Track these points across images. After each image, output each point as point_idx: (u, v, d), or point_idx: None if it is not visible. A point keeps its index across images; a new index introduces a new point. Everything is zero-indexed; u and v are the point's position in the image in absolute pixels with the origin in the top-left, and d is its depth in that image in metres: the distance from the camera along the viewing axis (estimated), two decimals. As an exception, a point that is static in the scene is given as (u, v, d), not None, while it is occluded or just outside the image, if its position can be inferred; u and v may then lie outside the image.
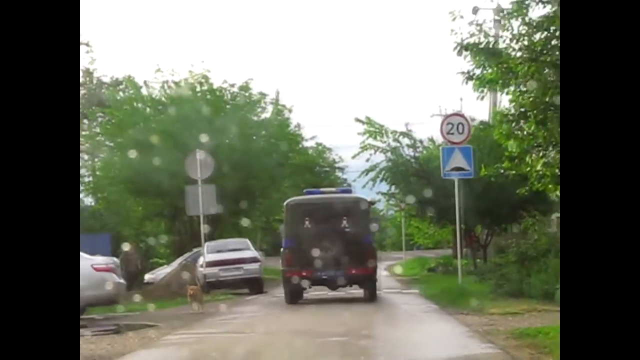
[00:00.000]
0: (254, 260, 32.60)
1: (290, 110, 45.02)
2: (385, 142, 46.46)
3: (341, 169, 78.36)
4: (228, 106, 42.41)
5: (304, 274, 23.29)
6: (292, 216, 23.99)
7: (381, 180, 47.94)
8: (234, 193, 39.07)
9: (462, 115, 28.56)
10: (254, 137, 41.56)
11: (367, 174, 48.05)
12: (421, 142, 38.55)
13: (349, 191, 27.57)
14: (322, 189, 28.65)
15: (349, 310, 21.63)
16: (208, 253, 32.35)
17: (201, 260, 32.14)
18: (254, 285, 32.45)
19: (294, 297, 23.85)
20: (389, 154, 42.76)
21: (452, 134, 28.05)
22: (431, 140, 41.28)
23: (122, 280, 23.22)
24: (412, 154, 38.06)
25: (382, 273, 36.82)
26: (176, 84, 42.57)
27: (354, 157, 48.27)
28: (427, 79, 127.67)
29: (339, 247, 23.32)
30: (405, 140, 40.73)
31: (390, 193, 48.50)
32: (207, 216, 40.69)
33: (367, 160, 47.47)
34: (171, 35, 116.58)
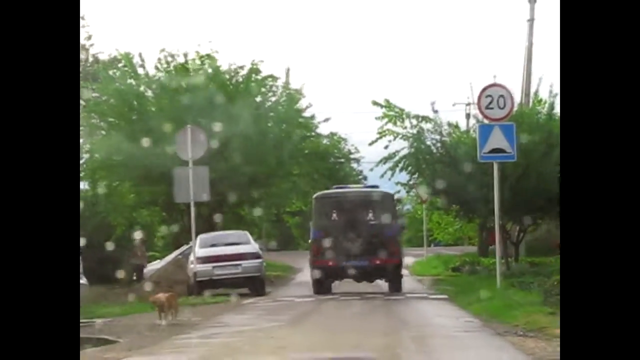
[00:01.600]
0: (254, 256, 27.10)
1: (301, 94, 39.41)
2: (405, 127, 41.32)
3: (357, 160, 73.15)
4: (231, 87, 37.08)
5: (331, 263, 23.70)
6: (320, 209, 24.47)
7: (401, 170, 42.66)
8: (237, 180, 33.92)
9: (503, 86, 23.19)
10: (260, 120, 36.23)
11: (385, 163, 42.89)
12: (449, 124, 33.06)
13: (376, 187, 27.35)
14: (349, 185, 30.33)
15: (366, 324, 16.48)
16: (200, 247, 27.08)
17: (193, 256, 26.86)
18: (254, 286, 27.14)
19: (321, 287, 23.97)
20: (410, 140, 37.53)
21: (492, 108, 22.81)
22: (456, 126, 35.84)
23: (83, 281, 18.18)
24: (437, 137, 32.59)
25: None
26: (180, 64, 37.29)
27: (371, 144, 42.99)
28: (452, 60, 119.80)
29: (364, 238, 23.69)
30: (428, 126, 35.41)
31: (411, 184, 43.25)
32: (208, 204, 35.84)
33: (386, 147, 42.25)
34: (179, 15, 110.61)
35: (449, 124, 32.99)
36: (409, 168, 42.30)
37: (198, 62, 37.82)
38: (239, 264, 26.53)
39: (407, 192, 44.98)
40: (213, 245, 27.21)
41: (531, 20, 38.91)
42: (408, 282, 32.83)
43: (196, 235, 27.17)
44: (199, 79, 36.78)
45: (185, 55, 37.91)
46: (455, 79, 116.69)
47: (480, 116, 30.83)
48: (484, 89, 22.86)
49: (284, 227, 63.57)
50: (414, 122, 36.98)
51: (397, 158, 42.27)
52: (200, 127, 26.84)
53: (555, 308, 17.50)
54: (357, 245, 23.71)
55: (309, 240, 24.91)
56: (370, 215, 24.15)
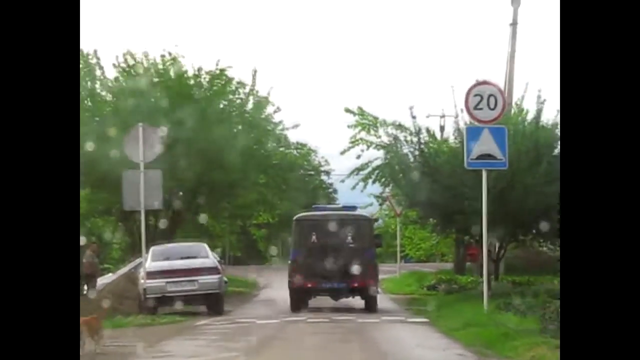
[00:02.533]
0: (212, 270, 23.91)
1: (269, 100, 36.28)
2: (379, 136, 38.50)
3: (327, 173, 70.31)
4: (194, 90, 34.15)
5: (309, 285, 23.91)
6: (300, 229, 24.61)
7: (374, 182, 39.90)
8: (194, 187, 31.03)
9: (493, 84, 20.35)
10: (223, 125, 33.31)
11: (357, 174, 40.09)
12: (428, 131, 30.17)
13: (354, 208, 27.39)
14: (328, 206, 30.87)
15: (336, 357, 13.47)
16: (152, 260, 23.94)
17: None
18: (212, 304, 24.07)
19: (299, 304, 24.01)
20: (385, 149, 34.80)
21: (481, 109, 19.95)
22: (432, 135, 32.98)
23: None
24: (415, 145, 29.69)
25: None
26: (140, 64, 34.27)
27: (343, 152, 40.53)
28: (430, 66, 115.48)
29: (343, 260, 23.73)
30: (404, 134, 32.59)
31: (384, 196, 40.40)
32: (167, 213, 32.92)
33: (358, 157, 39.62)
34: (146, 16, 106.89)
35: (428, 131, 30.07)
36: (382, 179, 39.63)
37: (161, 65, 34.82)
38: (195, 280, 23.41)
39: (380, 204, 42.19)
40: (167, 259, 24.09)
41: (514, 24, 36.21)
42: (381, 301, 29.94)
43: (149, 247, 24.14)
44: (160, 81, 33.93)
45: (146, 55, 34.93)
46: (434, 86, 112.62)
47: (462, 122, 28.24)
48: (473, 87, 19.99)
49: (250, 240, 60.44)
50: (389, 130, 34.24)
51: (369, 169, 39.61)
52: (155, 128, 23.68)
53: (557, 338, 14.67)
54: (336, 267, 23.66)
55: (289, 261, 25.11)
56: (349, 237, 24.34)
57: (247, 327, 19.13)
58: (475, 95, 19.86)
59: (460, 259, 39.99)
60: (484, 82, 20.15)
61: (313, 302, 24.58)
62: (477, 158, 19.97)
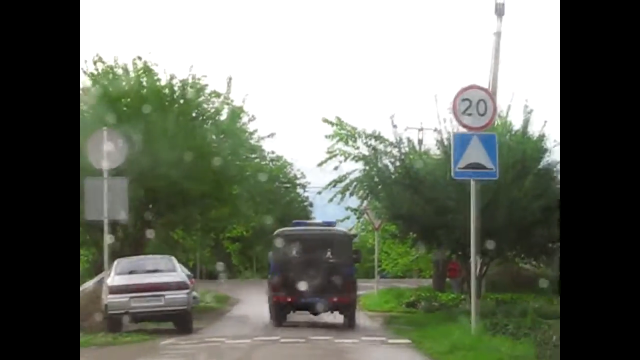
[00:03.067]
0: (180, 286, 22.17)
1: (243, 110, 34.63)
2: (357, 147, 36.90)
3: (303, 186, 68.70)
4: (167, 97, 32.47)
5: (289, 299, 23.88)
6: (281, 244, 24.57)
7: (351, 194, 38.27)
8: (165, 197, 29.39)
9: (483, 89, 18.87)
10: (195, 133, 31.70)
11: (334, 186, 38.45)
12: (410, 140, 28.65)
13: (333, 224, 27.56)
14: (308, 222, 31.27)
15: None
16: (116, 274, 22.22)
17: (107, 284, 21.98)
18: (180, 321, 22.38)
19: (280, 319, 24.12)
20: (363, 160, 33.25)
21: (470, 114, 18.41)
22: (412, 147, 31.48)
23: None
24: (396, 155, 28.16)
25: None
26: (109, 68, 32.55)
27: (320, 164, 38.75)
28: (412, 76, 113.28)
29: (322, 276, 23.84)
30: (383, 146, 31.14)
31: (361, 209, 38.76)
32: (134, 225, 31.28)
33: (336, 168, 37.95)
34: (119, 22, 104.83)
35: (409, 141, 28.54)
36: (360, 192, 38.05)
37: (132, 73, 33.13)
38: (161, 296, 21.70)
39: (358, 218, 40.52)
40: (131, 272, 22.37)
41: (498, 34, 34.83)
42: (359, 318, 28.40)
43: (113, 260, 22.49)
44: (131, 87, 32.28)
45: (116, 60, 33.25)
46: (412, 98, 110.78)
47: (445, 133, 26.77)
48: (461, 91, 18.46)
49: (224, 254, 58.60)
50: (368, 141, 32.66)
51: (347, 181, 38.01)
52: (121, 134, 21.96)
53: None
54: (316, 283, 23.57)
55: (268, 276, 25.36)
56: (329, 254, 24.48)
57: (214, 348, 17.52)
58: (464, 99, 18.36)
59: (439, 275, 38.41)
60: (473, 87, 18.64)
61: (290, 317, 24.53)
62: (465, 167, 18.45)
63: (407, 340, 19.13)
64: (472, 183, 18.64)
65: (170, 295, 21.76)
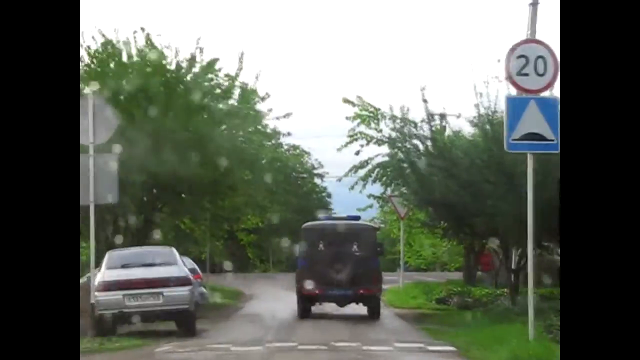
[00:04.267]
0: (181, 282, 18.77)
1: (255, 91, 31.30)
2: (380, 130, 33.40)
3: (320, 176, 65.22)
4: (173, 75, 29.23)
5: (317, 291, 24.34)
6: (308, 238, 25.11)
7: (374, 181, 34.89)
8: (170, 183, 26.22)
9: (543, 44, 15.35)
10: (202, 114, 28.52)
11: (356, 171, 35.07)
12: (443, 116, 25.36)
13: (358, 218, 27.72)
14: (333, 215, 30.95)
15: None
16: (108, 268, 18.90)
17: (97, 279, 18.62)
18: (181, 322, 19.06)
19: (306, 311, 24.66)
20: (384, 146, 30.10)
21: (526, 74, 14.95)
22: (444, 126, 28.28)
23: None
24: (427, 134, 24.85)
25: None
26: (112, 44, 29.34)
27: (340, 149, 35.25)
28: (441, 51, 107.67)
29: (349, 268, 24.32)
30: (407, 128, 27.76)
31: (385, 196, 35.36)
32: (138, 213, 28.15)
33: (357, 153, 34.48)
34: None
35: (442, 117, 25.21)
36: (384, 178, 34.73)
37: (135, 49, 29.90)
38: (160, 293, 18.33)
39: (381, 206, 37.10)
40: (125, 266, 19.03)
41: (534, 4, 31.38)
42: (387, 317, 25.22)
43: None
44: (134, 63, 29.13)
45: (117, 34, 30.04)
46: (444, 75, 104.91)
47: (482, 109, 23.46)
48: (516, 46, 15.00)
49: (238, 246, 55.19)
50: (395, 120, 29.17)
51: (369, 166, 34.67)
52: (107, 104, 18.37)
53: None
54: (343, 275, 24.20)
55: (296, 269, 25.80)
56: (355, 247, 24.70)
57: (218, 358, 14.14)
58: (519, 56, 14.88)
59: (470, 268, 34.95)
60: (531, 40, 15.22)
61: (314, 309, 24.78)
62: (521, 138, 15.01)
63: (452, 348, 15.57)
64: (529, 157, 15.19)
65: (169, 292, 18.41)
